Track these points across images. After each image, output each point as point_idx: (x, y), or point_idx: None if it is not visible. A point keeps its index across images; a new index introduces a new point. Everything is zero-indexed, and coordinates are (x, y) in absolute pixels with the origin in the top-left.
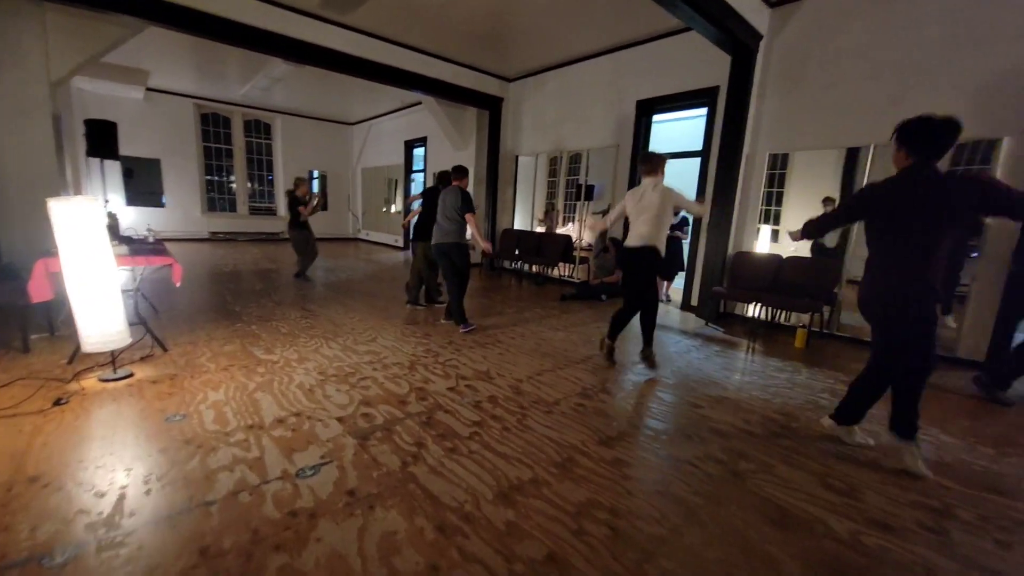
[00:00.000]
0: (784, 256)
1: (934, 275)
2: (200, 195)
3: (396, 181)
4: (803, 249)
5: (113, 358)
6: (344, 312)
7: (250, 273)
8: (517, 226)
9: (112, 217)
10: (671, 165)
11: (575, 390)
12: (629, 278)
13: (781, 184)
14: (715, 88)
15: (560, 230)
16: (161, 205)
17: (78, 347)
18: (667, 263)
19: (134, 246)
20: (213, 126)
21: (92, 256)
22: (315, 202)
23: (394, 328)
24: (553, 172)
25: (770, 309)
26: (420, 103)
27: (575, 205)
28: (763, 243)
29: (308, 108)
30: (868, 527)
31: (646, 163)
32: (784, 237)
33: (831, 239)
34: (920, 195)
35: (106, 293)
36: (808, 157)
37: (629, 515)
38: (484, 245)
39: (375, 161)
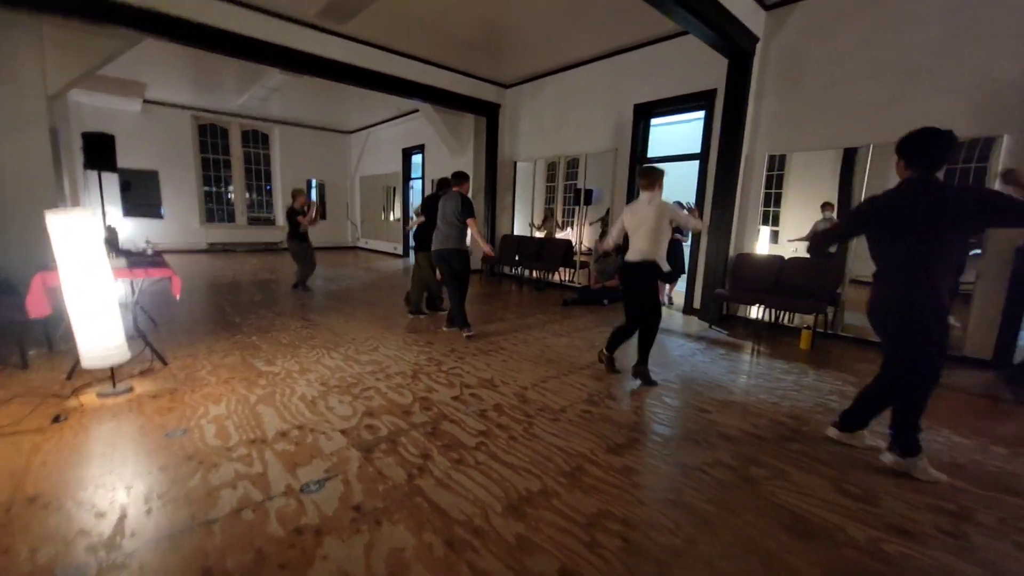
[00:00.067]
0: (786, 257)
1: (940, 285)
2: (198, 206)
3: (394, 189)
4: (804, 250)
5: (112, 373)
6: (345, 321)
7: (249, 284)
8: (517, 232)
9: (110, 230)
10: (671, 168)
11: (581, 397)
12: (628, 294)
13: (779, 185)
14: (712, 91)
15: (560, 235)
16: (159, 217)
17: (77, 362)
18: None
19: (132, 259)
20: (211, 137)
21: (90, 270)
22: (313, 212)
23: (396, 337)
24: (551, 177)
25: (773, 311)
26: (417, 111)
27: (574, 210)
28: (763, 244)
29: (305, 118)
30: (888, 533)
31: (644, 177)
32: (784, 238)
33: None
34: (920, 205)
35: (105, 307)
36: (806, 158)
37: (642, 525)
38: (486, 248)
39: (373, 169)
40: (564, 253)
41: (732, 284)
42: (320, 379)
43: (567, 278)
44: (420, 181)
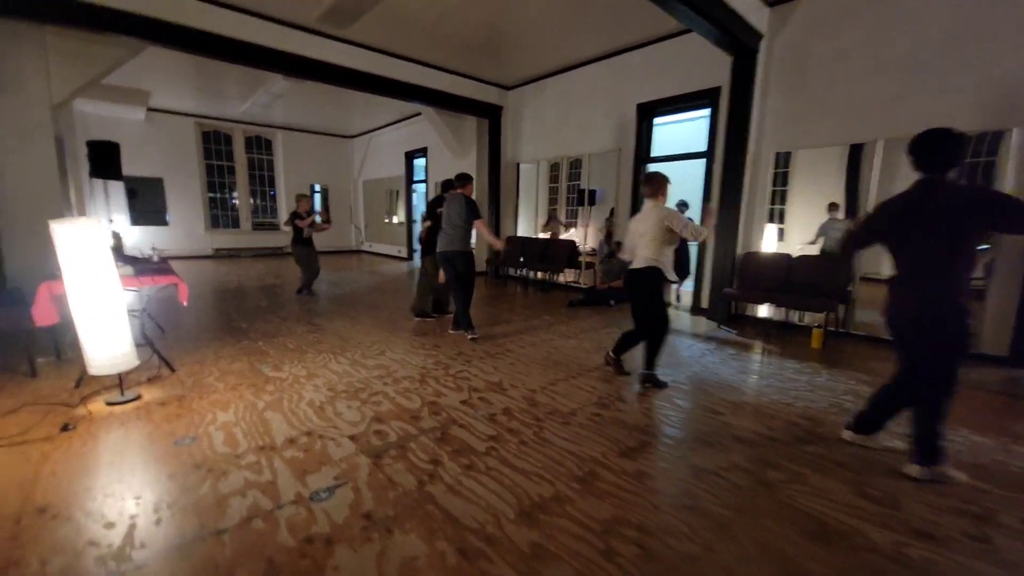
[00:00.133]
0: (794, 255)
1: (956, 286)
2: (203, 212)
3: (397, 192)
4: (812, 247)
5: (120, 380)
6: (351, 325)
7: (255, 289)
8: (521, 233)
9: (116, 237)
10: (676, 167)
11: (591, 399)
12: (632, 301)
13: (784, 183)
14: (717, 89)
15: (564, 236)
16: (165, 224)
17: (85, 370)
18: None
19: (139, 266)
20: (215, 144)
21: (97, 278)
22: (310, 220)
23: (402, 340)
24: (554, 178)
25: (783, 309)
26: (419, 114)
27: (577, 211)
28: (769, 243)
29: (308, 123)
30: (911, 538)
31: (647, 184)
32: (791, 236)
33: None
34: (929, 207)
35: (112, 315)
36: (811, 155)
37: (658, 532)
38: (497, 244)
39: (376, 173)
40: (569, 254)
41: (740, 283)
42: (328, 384)
43: (572, 279)
44: (423, 184)
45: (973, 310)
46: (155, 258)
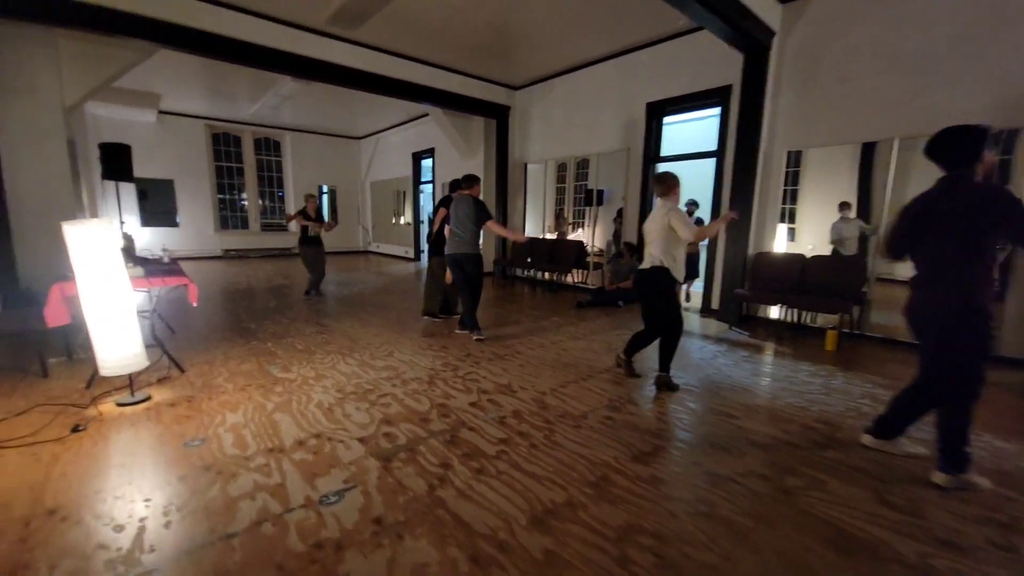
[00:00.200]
0: (807, 255)
1: (977, 286)
2: (213, 214)
3: (404, 193)
4: (825, 248)
5: (131, 381)
6: (359, 326)
7: (263, 290)
8: (528, 233)
9: (128, 238)
10: (686, 167)
11: (602, 402)
12: (641, 301)
13: (795, 182)
14: (728, 87)
15: (572, 236)
16: (175, 225)
17: (96, 371)
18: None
19: (149, 267)
20: (224, 145)
21: (108, 279)
22: (328, 225)
23: (410, 341)
24: (561, 179)
25: (795, 311)
26: (427, 115)
27: (585, 211)
28: (779, 242)
29: (316, 124)
30: (936, 547)
31: (658, 184)
32: (802, 236)
33: (851, 245)
34: (946, 206)
35: (123, 316)
36: (822, 154)
37: (675, 540)
38: (518, 236)
39: (383, 174)
40: (577, 255)
41: (752, 284)
42: (336, 386)
43: (580, 280)
44: (431, 185)
45: (994, 311)
46: (166, 259)
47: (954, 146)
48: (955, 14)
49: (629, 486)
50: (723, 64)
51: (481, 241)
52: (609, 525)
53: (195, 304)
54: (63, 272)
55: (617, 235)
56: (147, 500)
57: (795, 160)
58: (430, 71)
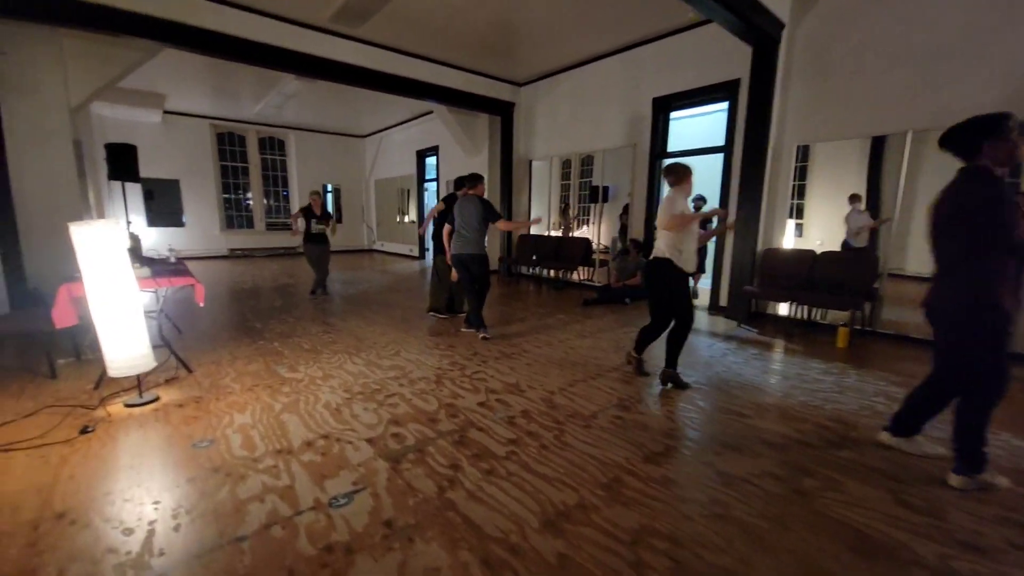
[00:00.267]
0: (817, 251)
1: (993, 280)
2: (218, 213)
3: (408, 191)
4: (834, 243)
5: (139, 382)
6: (365, 325)
7: (269, 289)
8: (533, 231)
9: (134, 239)
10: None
11: (611, 401)
12: (649, 292)
13: (803, 177)
14: (736, 81)
15: (577, 233)
16: (181, 225)
17: (104, 372)
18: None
19: (156, 267)
20: (229, 145)
21: (115, 279)
22: (330, 226)
23: (417, 340)
24: (566, 175)
25: (805, 307)
26: (431, 112)
27: (590, 207)
28: (788, 238)
29: (320, 123)
30: (957, 549)
31: (669, 175)
32: (811, 232)
33: (862, 238)
34: (956, 198)
35: (130, 316)
36: (830, 148)
37: (689, 543)
38: (528, 224)
39: (387, 172)
40: (583, 252)
41: (761, 280)
42: (343, 386)
43: (586, 277)
44: (435, 183)
45: (1013, 307)
46: (172, 259)
47: (953, 137)
48: (966, 7)
49: (641, 487)
50: (730, 58)
51: (486, 239)
52: (622, 527)
53: (202, 304)
54: (70, 273)
55: (623, 232)
56: (156, 502)
57: (803, 155)
58: (434, 68)
